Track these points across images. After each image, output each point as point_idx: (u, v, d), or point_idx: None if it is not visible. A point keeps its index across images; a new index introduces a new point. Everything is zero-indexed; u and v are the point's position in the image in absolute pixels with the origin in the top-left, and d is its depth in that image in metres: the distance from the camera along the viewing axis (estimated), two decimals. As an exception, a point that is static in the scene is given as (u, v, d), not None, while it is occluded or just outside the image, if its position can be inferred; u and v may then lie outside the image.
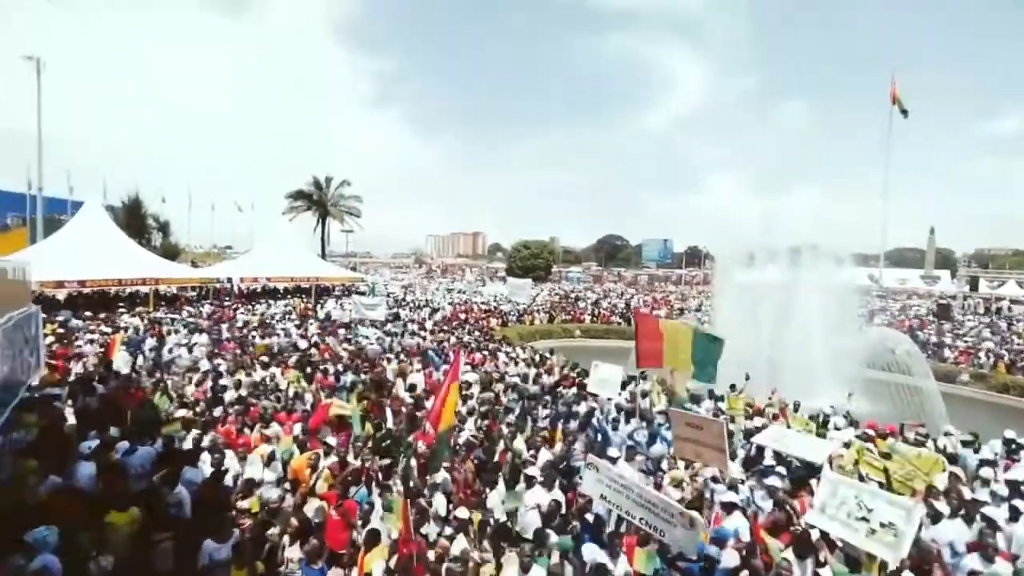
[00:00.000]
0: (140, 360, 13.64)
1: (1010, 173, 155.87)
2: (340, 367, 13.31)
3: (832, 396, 13.29)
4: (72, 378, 11.12)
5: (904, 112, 38.35)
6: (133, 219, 38.44)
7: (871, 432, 9.54)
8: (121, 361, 12.90)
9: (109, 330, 17.00)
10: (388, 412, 9.76)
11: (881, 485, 6.78)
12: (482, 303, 33.85)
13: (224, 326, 19.41)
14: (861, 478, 7.21)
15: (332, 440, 7.84)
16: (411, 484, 6.28)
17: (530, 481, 6.61)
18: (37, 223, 29.59)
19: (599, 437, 9.00)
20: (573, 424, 9.63)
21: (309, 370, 12.70)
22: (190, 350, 14.79)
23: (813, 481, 6.57)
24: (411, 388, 11.51)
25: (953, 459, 8.52)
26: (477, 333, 22.55)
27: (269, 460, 7.14)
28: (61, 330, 16.55)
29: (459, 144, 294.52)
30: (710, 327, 17.24)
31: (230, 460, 7.11)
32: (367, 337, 18.67)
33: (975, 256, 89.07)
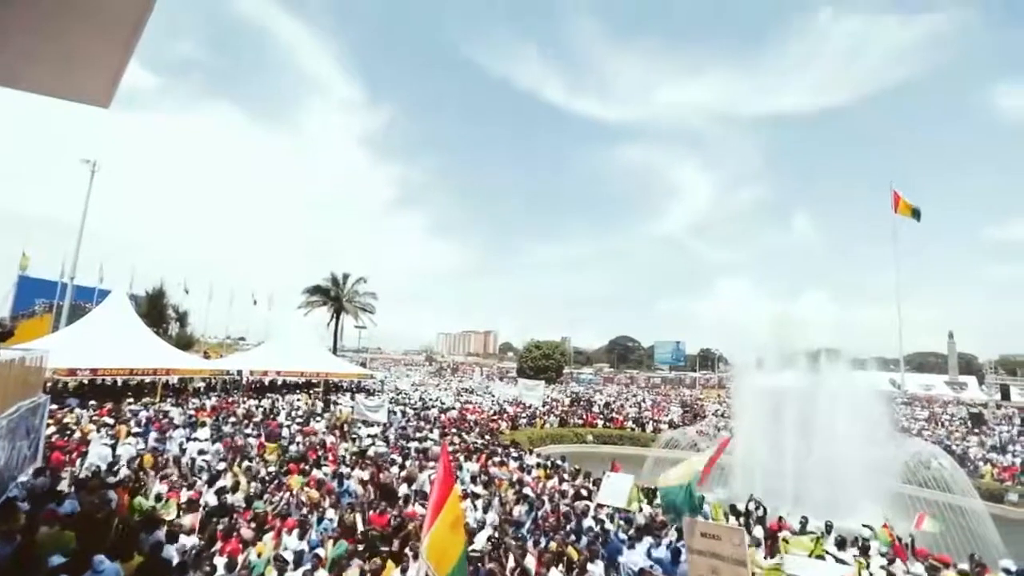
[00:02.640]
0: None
1: None
2: (344, 470, 12.73)
3: (865, 514, 12.24)
4: (65, 474, 10.69)
5: (916, 215, 39.27)
6: (154, 308, 39.45)
7: (933, 563, 8.54)
8: (126, 453, 12.52)
9: (111, 421, 16.68)
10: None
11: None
12: (492, 404, 33.08)
13: (228, 420, 18.99)
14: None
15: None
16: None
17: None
18: (63, 310, 30.37)
19: (614, 554, 8.26)
20: (585, 540, 8.89)
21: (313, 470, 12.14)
22: (190, 450, 14.33)
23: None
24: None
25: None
26: (487, 436, 21.75)
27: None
28: (66, 420, 16.28)
29: (474, 246, 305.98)
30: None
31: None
32: (373, 437, 18.07)
33: (1001, 362, 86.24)
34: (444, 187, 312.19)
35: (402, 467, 14.05)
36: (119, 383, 24.73)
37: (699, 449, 18.83)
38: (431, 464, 14.04)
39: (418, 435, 19.25)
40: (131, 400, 21.86)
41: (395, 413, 23.37)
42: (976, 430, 32.09)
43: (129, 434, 14.86)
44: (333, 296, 46.37)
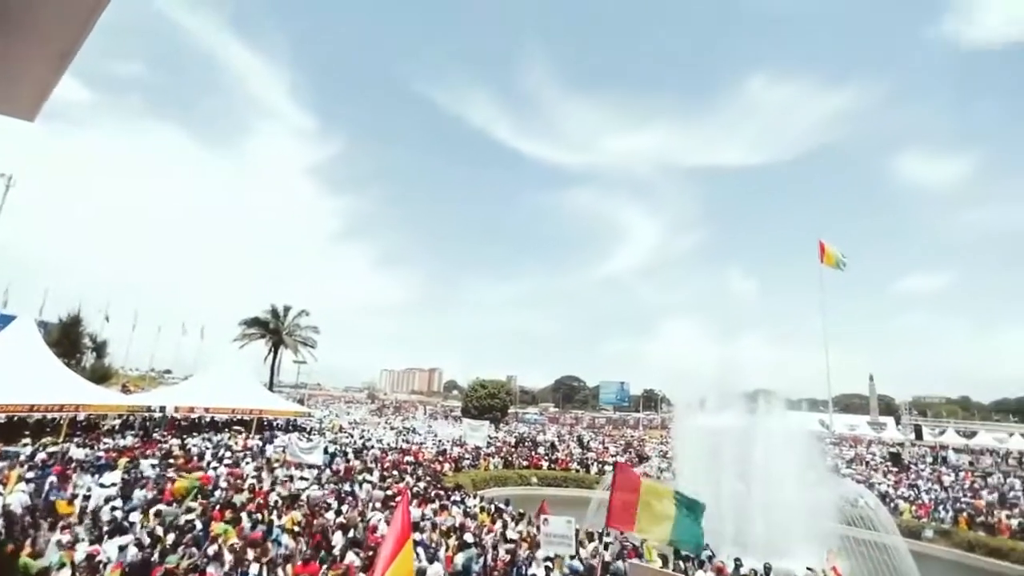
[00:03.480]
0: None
1: (938, 327, 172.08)
2: (273, 516, 11.81)
3: (802, 555, 12.56)
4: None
5: (841, 265, 42.27)
6: (67, 337, 36.11)
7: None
8: (16, 503, 11.07)
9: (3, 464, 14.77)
10: None
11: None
12: (435, 444, 32.15)
13: (146, 462, 17.29)
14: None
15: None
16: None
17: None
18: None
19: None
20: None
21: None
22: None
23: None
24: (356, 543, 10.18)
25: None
26: (430, 478, 20.97)
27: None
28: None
29: (421, 281, 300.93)
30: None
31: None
32: (306, 479, 17.00)
33: (914, 404, 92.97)
34: (393, 220, 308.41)
35: (338, 512, 13.24)
36: (18, 420, 22.21)
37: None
38: (374, 509, 13.32)
39: (357, 477, 18.30)
40: (26, 441, 19.59)
41: (332, 454, 22.17)
42: (895, 468, 34.11)
43: (21, 479, 13.09)
44: (272, 329, 44.21)
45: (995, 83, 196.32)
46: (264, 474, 17.39)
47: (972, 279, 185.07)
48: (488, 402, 55.29)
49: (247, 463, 19.29)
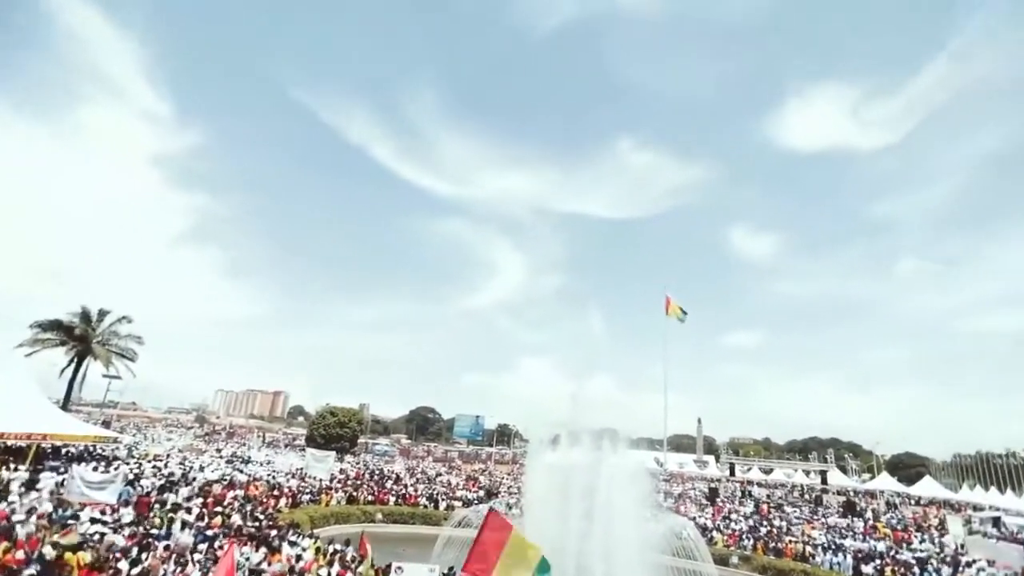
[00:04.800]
0: None
1: (752, 377, 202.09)
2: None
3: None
4: None
5: (682, 319, 47.42)
6: None
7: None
8: None
9: None
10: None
11: None
12: (271, 476, 28.81)
13: None
14: None
15: None
16: None
17: None
18: None
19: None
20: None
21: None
22: None
23: None
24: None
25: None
26: (262, 516, 18.49)
27: None
28: None
29: (274, 297, 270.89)
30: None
31: None
32: (103, 521, 13.89)
33: (730, 444, 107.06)
34: (251, 227, 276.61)
35: (136, 562, 10.89)
36: None
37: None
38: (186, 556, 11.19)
39: (169, 516, 15.44)
40: None
41: (136, 488, 18.59)
42: (712, 502, 38.30)
43: None
44: (79, 335, 36.69)
45: (801, 179, 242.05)
46: (33, 518, 13.85)
47: (778, 338, 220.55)
48: (337, 431, 51.49)
49: (9, 503, 15.24)
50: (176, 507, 17.01)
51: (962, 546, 26.96)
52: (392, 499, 28.18)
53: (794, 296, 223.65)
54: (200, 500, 19.29)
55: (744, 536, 26.23)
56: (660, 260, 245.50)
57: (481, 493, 33.69)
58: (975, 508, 44.79)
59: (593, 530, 15.78)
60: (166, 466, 27.24)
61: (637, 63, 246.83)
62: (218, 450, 45.38)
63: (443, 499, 29.68)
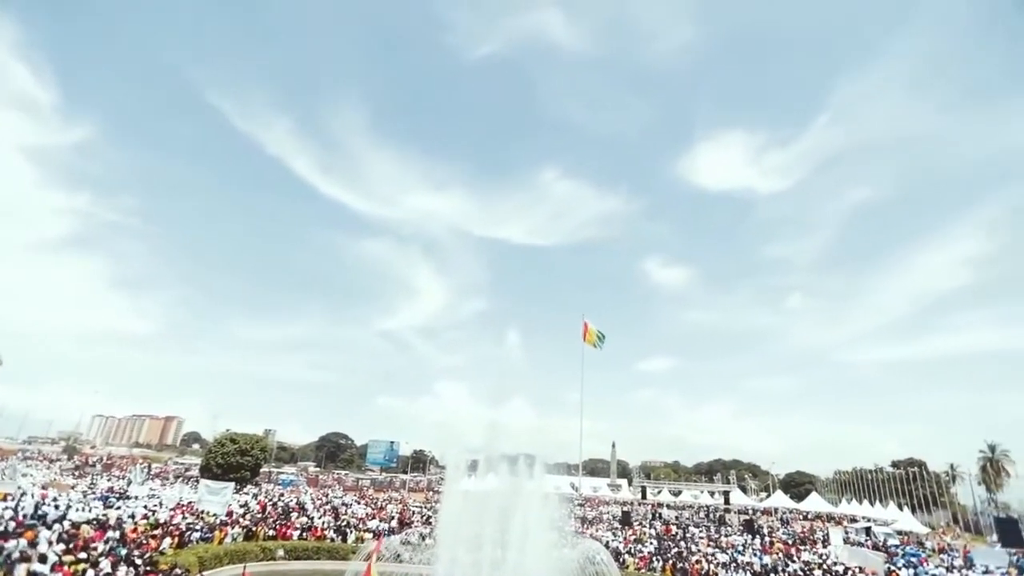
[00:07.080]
0: None
1: (663, 402, 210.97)
2: None
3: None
4: None
5: (599, 343, 48.80)
6: None
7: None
8: None
9: None
10: None
11: None
12: (153, 512, 25.75)
13: None
14: None
15: None
16: None
17: None
18: None
19: None
20: None
21: None
22: None
23: None
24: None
25: None
26: (139, 560, 16.32)
27: None
28: None
29: (167, 312, 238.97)
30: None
31: None
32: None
33: (643, 467, 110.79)
34: (144, 234, 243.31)
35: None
36: None
37: (401, 560, 17.79)
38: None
39: (16, 565, 13.18)
40: None
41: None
42: (624, 526, 39.13)
43: None
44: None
45: (709, 216, 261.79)
46: None
47: (687, 365, 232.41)
48: (237, 459, 47.35)
49: None
50: (24, 557, 14.50)
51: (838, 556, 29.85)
52: (296, 533, 26.14)
53: (702, 324, 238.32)
54: (62, 547, 16.73)
55: (654, 559, 26.94)
56: (579, 287, 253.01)
57: (394, 523, 32.17)
58: (852, 520, 49.45)
59: (507, 557, 15.50)
60: (18, 507, 23.36)
61: (564, 96, 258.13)
62: (91, 485, 40.02)
63: (352, 531, 27.99)
